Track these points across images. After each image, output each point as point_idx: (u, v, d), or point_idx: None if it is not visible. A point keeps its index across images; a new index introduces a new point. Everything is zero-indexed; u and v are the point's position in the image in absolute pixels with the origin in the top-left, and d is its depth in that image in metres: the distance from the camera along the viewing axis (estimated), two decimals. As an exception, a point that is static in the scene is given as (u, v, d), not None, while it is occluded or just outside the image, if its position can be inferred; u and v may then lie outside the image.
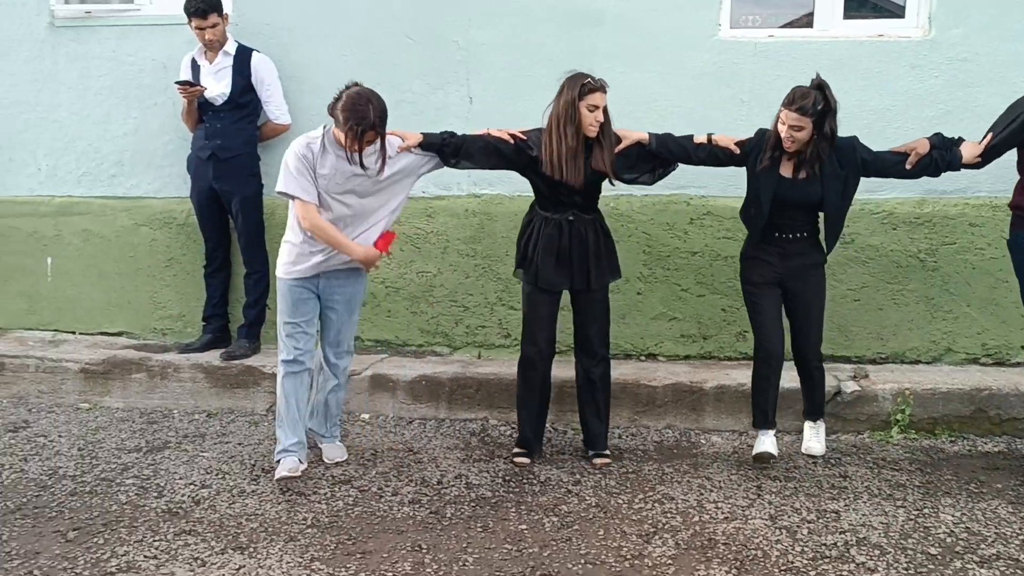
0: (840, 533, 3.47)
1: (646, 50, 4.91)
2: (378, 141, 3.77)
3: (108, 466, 4.18)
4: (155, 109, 5.33)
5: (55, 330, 5.63)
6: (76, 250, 5.53)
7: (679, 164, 4.15)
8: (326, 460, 4.17)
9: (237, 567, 3.24)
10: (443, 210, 5.12)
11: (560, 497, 3.82)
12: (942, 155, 3.94)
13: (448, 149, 3.99)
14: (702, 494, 3.84)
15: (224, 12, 4.90)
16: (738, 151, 4.00)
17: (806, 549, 3.35)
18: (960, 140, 4.00)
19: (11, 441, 4.50)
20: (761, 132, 4.01)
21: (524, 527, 3.56)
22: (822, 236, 4.03)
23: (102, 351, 5.22)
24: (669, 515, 3.65)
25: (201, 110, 5.01)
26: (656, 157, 4.07)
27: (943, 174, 4.03)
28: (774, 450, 4.03)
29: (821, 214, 3.99)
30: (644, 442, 4.47)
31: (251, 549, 3.38)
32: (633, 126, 4.84)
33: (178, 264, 5.46)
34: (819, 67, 4.77)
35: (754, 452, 4.06)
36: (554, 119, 3.88)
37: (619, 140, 3.99)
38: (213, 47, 4.92)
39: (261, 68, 5.00)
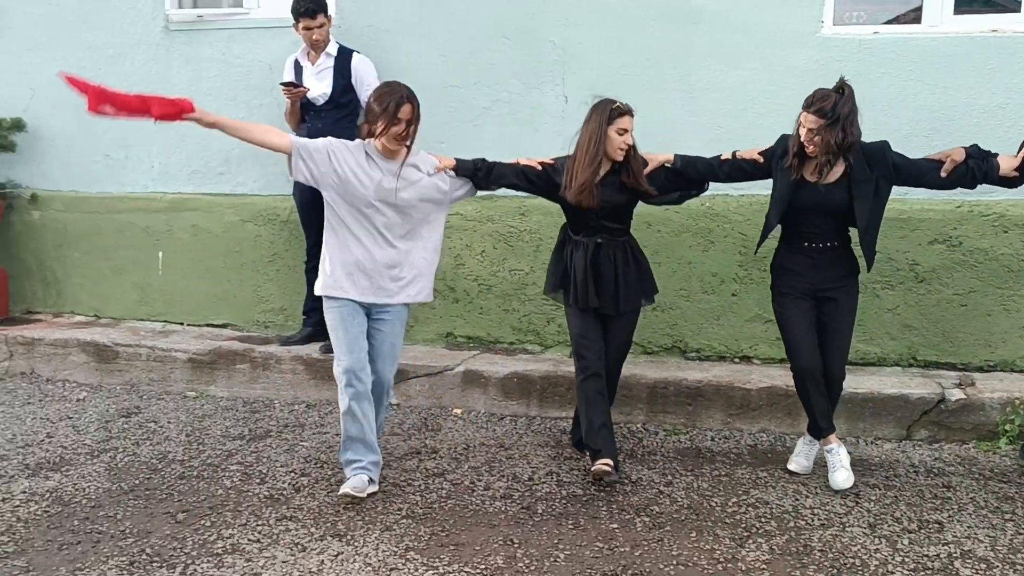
0: (943, 545, 3.36)
1: (746, 48, 4.84)
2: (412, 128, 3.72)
3: (214, 452, 4.35)
4: (261, 109, 5.52)
5: (165, 321, 5.89)
6: (185, 245, 5.78)
7: (708, 185, 4.10)
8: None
9: (335, 553, 3.34)
10: (536, 208, 5.14)
11: (651, 498, 3.81)
12: (978, 165, 3.72)
13: (480, 174, 4.03)
14: (798, 499, 3.78)
15: (328, 15, 5.04)
16: (762, 160, 3.89)
17: (907, 560, 3.25)
18: (995, 154, 3.76)
19: (124, 426, 4.74)
20: (783, 138, 3.89)
21: (615, 526, 3.56)
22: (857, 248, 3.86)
23: (208, 342, 5.44)
24: (763, 519, 3.60)
25: (303, 110, 5.16)
26: (683, 177, 4.02)
27: (979, 185, 3.81)
28: (851, 483, 3.82)
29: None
30: (737, 445, 4.41)
31: (348, 536, 3.47)
32: (732, 125, 4.82)
33: (280, 259, 5.64)
34: (927, 64, 4.66)
35: (833, 484, 3.86)
36: (581, 145, 3.88)
37: (646, 163, 3.98)
38: (319, 47, 5.06)
39: (361, 69, 5.12)
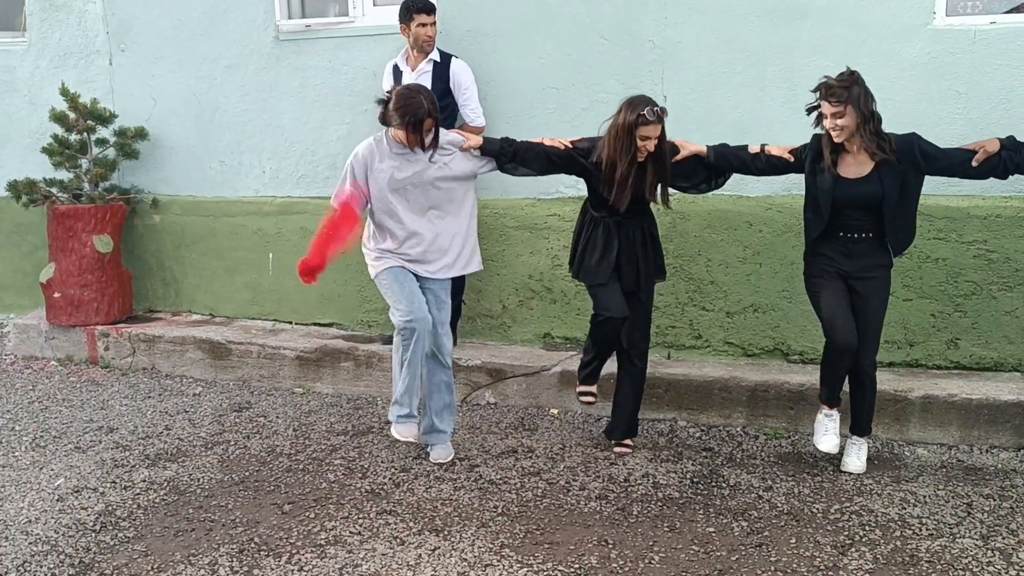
0: (1063, 560, 3.20)
1: (854, 42, 4.69)
2: (432, 135, 3.93)
3: (319, 447, 4.50)
4: (365, 115, 5.67)
5: (274, 320, 6.12)
6: (294, 247, 5.98)
7: (733, 174, 4.17)
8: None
9: (432, 548, 3.42)
10: (635, 209, 5.12)
11: (750, 502, 3.75)
12: (1011, 156, 3.71)
13: (507, 157, 4.14)
14: (904, 508, 3.65)
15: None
16: (792, 159, 3.95)
17: (1022, 574, 3.10)
18: None
19: (236, 420, 4.95)
20: (816, 137, 3.90)
21: (712, 530, 3.52)
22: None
23: (315, 340, 5.62)
24: (867, 528, 3.49)
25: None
26: (714, 168, 4.10)
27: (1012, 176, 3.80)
28: (835, 449, 3.97)
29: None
30: (841, 451, 4.28)
31: (445, 532, 3.55)
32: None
33: (383, 260, 5.77)
34: (1049, 54, 4.41)
35: (818, 444, 4.02)
36: (612, 137, 3.95)
37: (677, 150, 4.05)
38: (428, 48, 5.13)
39: (460, 73, 5.19)
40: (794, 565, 3.23)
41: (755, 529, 3.51)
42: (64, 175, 6.12)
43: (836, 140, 3.74)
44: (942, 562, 3.21)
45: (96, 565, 3.37)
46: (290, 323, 6.05)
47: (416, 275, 4.13)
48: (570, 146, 4.14)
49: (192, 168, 6.23)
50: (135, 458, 4.40)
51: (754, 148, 4.05)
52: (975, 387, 4.36)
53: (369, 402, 5.19)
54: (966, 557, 3.24)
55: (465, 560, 3.32)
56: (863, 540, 3.39)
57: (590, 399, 4.40)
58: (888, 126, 4.54)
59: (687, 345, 5.11)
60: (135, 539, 3.57)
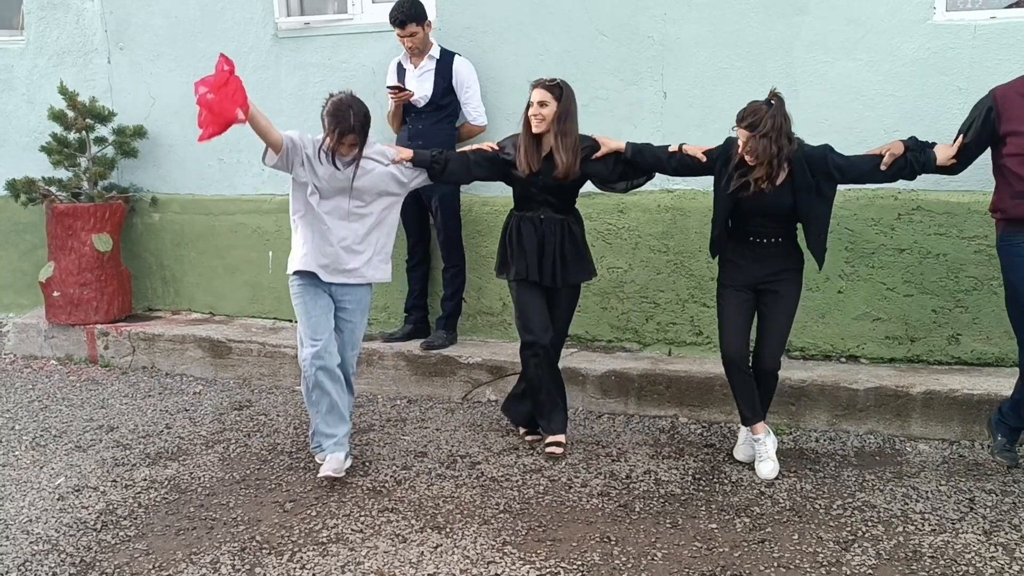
0: (1066, 555, 3.19)
1: (854, 37, 4.69)
2: (356, 149, 3.95)
3: (320, 445, 4.49)
4: (364, 112, 5.66)
5: (274, 318, 6.11)
6: (293, 244, 5.98)
7: (654, 174, 4.30)
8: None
9: (435, 545, 3.41)
10: (635, 206, 5.12)
11: (752, 498, 3.75)
12: (916, 157, 3.85)
13: (437, 167, 4.21)
14: (907, 504, 3.65)
15: (426, 21, 5.12)
16: (705, 160, 4.01)
17: (1025, 569, 3.11)
18: (933, 144, 3.89)
19: (236, 418, 4.94)
20: (729, 140, 3.94)
21: (714, 526, 3.51)
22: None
23: (315, 338, 5.61)
24: (870, 523, 3.49)
25: (404, 111, 5.27)
26: (632, 166, 4.19)
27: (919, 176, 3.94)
28: (775, 473, 3.94)
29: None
30: (843, 447, 4.29)
31: (448, 529, 3.54)
32: (837, 118, 4.68)
33: (383, 258, 5.77)
34: (1050, 49, 4.41)
35: (759, 472, 3.98)
36: (522, 120, 4.16)
37: (598, 146, 4.16)
38: (415, 53, 5.16)
39: (462, 71, 5.19)
40: (796, 561, 3.23)
41: (757, 525, 3.51)
42: (63, 174, 6.11)
43: (749, 163, 3.79)
44: (945, 557, 3.21)
45: (97, 564, 3.36)
46: (290, 321, 6.04)
47: (334, 295, 4.12)
48: (495, 147, 4.28)
49: (191, 166, 6.22)
50: (136, 457, 4.39)
51: (673, 148, 4.13)
52: (976, 382, 4.35)
53: (370, 400, 5.19)
54: (969, 552, 3.24)
55: (467, 557, 3.32)
56: (866, 535, 3.39)
57: (557, 450, 4.25)
58: (889, 122, 4.55)
59: (688, 342, 5.10)
60: (136, 538, 3.56)
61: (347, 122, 3.88)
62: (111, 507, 3.83)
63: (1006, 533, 3.37)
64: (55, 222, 5.98)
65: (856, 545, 3.32)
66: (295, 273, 4.09)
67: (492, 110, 5.28)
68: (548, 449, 4.25)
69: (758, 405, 4.01)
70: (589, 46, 5.15)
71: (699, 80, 4.97)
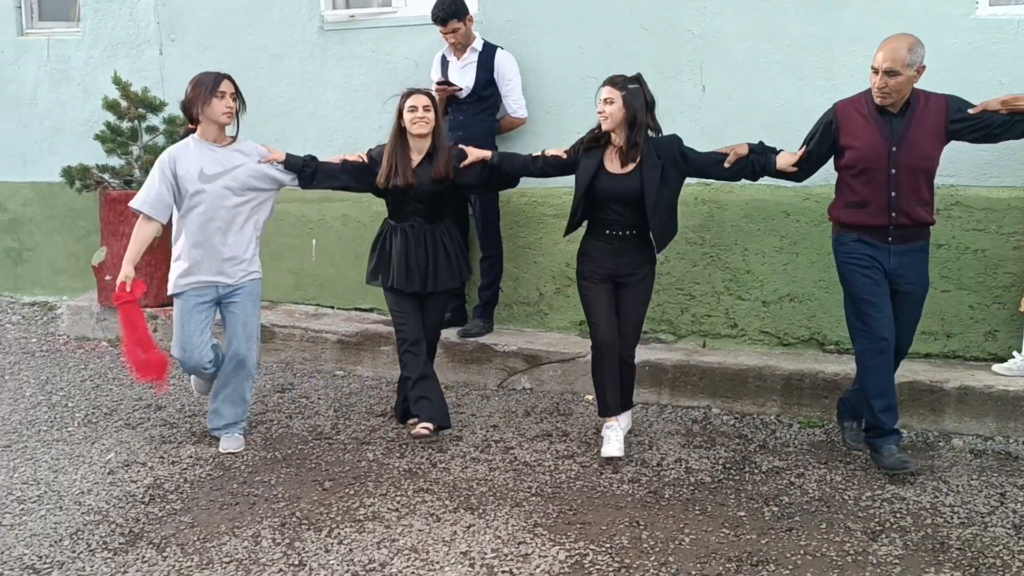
0: (1096, 551, 3.20)
1: (895, 32, 4.66)
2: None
3: (359, 427, 4.62)
4: (407, 104, 5.76)
5: (317, 304, 6.25)
6: (336, 233, 6.11)
7: (517, 181, 4.51)
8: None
9: (467, 525, 3.51)
10: (673, 199, 5.15)
11: (782, 488, 3.79)
12: (757, 159, 4.04)
13: (308, 172, 4.36)
14: (937, 496, 3.66)
15: (467, 15, 5.20)
16: (566, 156, 4.19)
17: (1053, 563, 3.12)
18: (778, 151, 4.07)
19: (279, 400, 5.09)
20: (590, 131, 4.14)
21: (743, 514, 3.56)
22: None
23: (356, 324, 5.74)
24: (899, 515, 3.51)
25: (446, 103, 5.36)
26: (499, 172, 4.38)
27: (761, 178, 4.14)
28: (619, 453, 4.07)
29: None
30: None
31: (480, 510, 3.64)
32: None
33: (423, 247, 5.87)
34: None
35: (602, 454, 4.10)
36: (392, 131, 4.28)
37: (465, 156, 4.31)
38: (458, 48, 5.25)
39: (504, 64, 5.26)
40: (823, 549, 3.27)
41: (786, 514, 3.55)
42: (116, 161, 6.30)
43: (603, 127, 3.96)
44: (972, 550, 3.23)
45: (145, 535, 3.51)
46: (332, 308, 6.18)
47: (220, 297, 4.28)
48: (365, 158, 4.42)
49: (238, 155, 6.36)
50: (182, 435, 4.55)
51: (536, 154, 4.32)
52: (1012, 378, 4.34)
53: (408, 385, 5.29)
54: (997, 545, 3.25)
55: (499, 537, 3.41)
56: (893, 527, 3.42)
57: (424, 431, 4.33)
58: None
59: (723, 334, 5.14)
60: (182, 511, 3.71)
61: (211, 74, 4.15)
62: (158, 482, 3.99)
63: (1036, 528, 3.38)
64: (107, 208, 6.17)
65: (884, 536, 3.35)
66: None
67: (532, 103, 5.35)
68: (414, 431, 4.33)
69: (619, 396, 4.14)
70: (630, 40, 5.19)
71: (738, 74, 4.99)
